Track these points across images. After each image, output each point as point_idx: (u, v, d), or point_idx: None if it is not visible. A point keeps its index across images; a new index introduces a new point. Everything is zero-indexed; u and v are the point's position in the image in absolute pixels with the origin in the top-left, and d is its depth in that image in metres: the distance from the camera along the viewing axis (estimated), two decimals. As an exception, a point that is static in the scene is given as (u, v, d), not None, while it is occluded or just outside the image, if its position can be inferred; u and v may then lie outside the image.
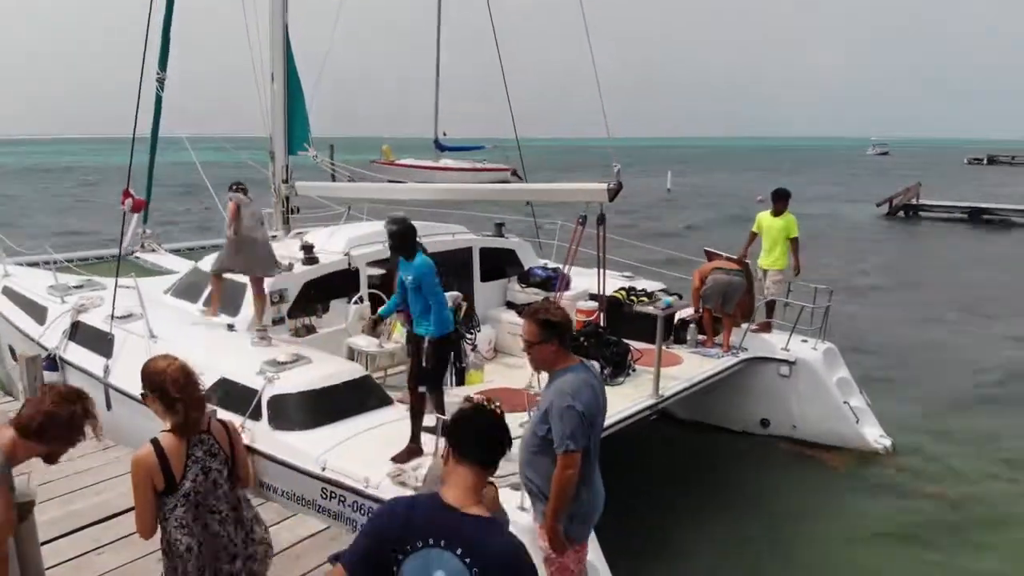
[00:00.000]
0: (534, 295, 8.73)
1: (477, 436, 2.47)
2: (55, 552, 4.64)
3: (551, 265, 9.39)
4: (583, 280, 8.28)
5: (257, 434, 5.53)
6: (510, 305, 8.92)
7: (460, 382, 7.38)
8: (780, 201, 9.07)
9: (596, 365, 7.19)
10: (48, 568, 4.36)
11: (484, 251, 8.99)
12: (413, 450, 5.31)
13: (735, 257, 8.97)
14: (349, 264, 7.59)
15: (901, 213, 31.66)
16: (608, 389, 6.87)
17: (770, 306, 8.87)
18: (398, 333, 7.08)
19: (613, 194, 6.63)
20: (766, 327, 8.69)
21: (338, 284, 7.66)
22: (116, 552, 4.66)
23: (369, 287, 7.87)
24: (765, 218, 9.13)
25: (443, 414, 5.12)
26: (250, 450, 4.95)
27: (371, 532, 2.39)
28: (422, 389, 5.43)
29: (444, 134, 38.03)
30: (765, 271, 9.07)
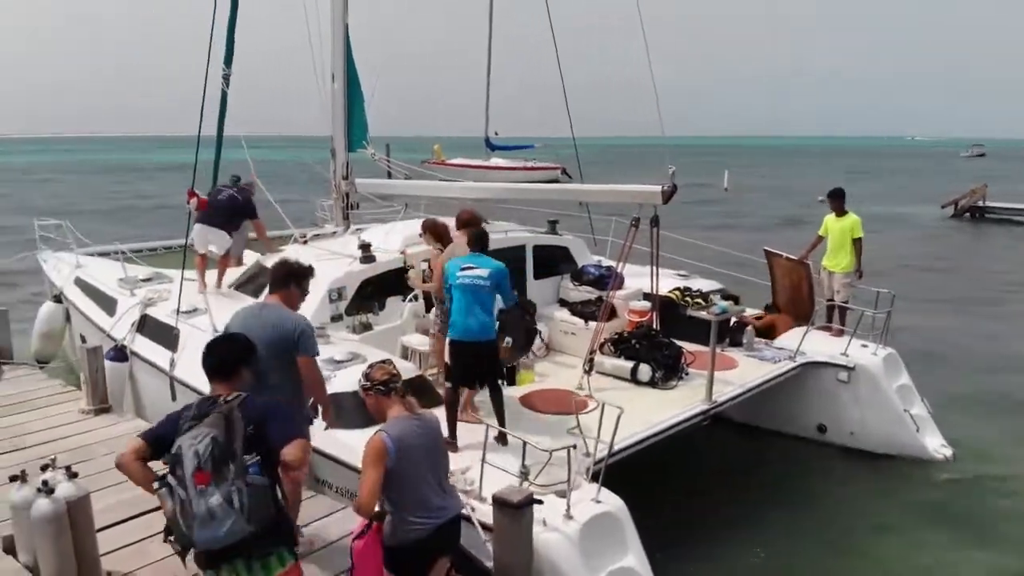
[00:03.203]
0: (587, 293, 8.73)
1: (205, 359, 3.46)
2: (110, 539, 4.70)
3: (605, 263, 9.35)
4: (638, 280, 8.20)
5: (313, 431, 5.64)
6: (563, 303, 8.91)
7: (511, 382, 7.39)
8: (836, 200, 8.99)
9: (647, 368, 7.16)
10: (103, 555, 4.43)
11: (537, 248, 8.99)
12: (448, 444, 5.39)
13: (795, 257, 8.82)
14: (405, 262, 7.66)
15: (967, 215, 30.66)
16: (660, 393, 6.93)
17: (842, 311, 8.69)
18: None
19: (667, 196, 6.57)
20: (838, 333, 8.50)
21: (394, 282, 7.76)
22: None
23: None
24: (830, 220, 9.05)
25: None
26: None
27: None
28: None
29: (496, 133, 38.19)
30: (831, 273, 8.93)
